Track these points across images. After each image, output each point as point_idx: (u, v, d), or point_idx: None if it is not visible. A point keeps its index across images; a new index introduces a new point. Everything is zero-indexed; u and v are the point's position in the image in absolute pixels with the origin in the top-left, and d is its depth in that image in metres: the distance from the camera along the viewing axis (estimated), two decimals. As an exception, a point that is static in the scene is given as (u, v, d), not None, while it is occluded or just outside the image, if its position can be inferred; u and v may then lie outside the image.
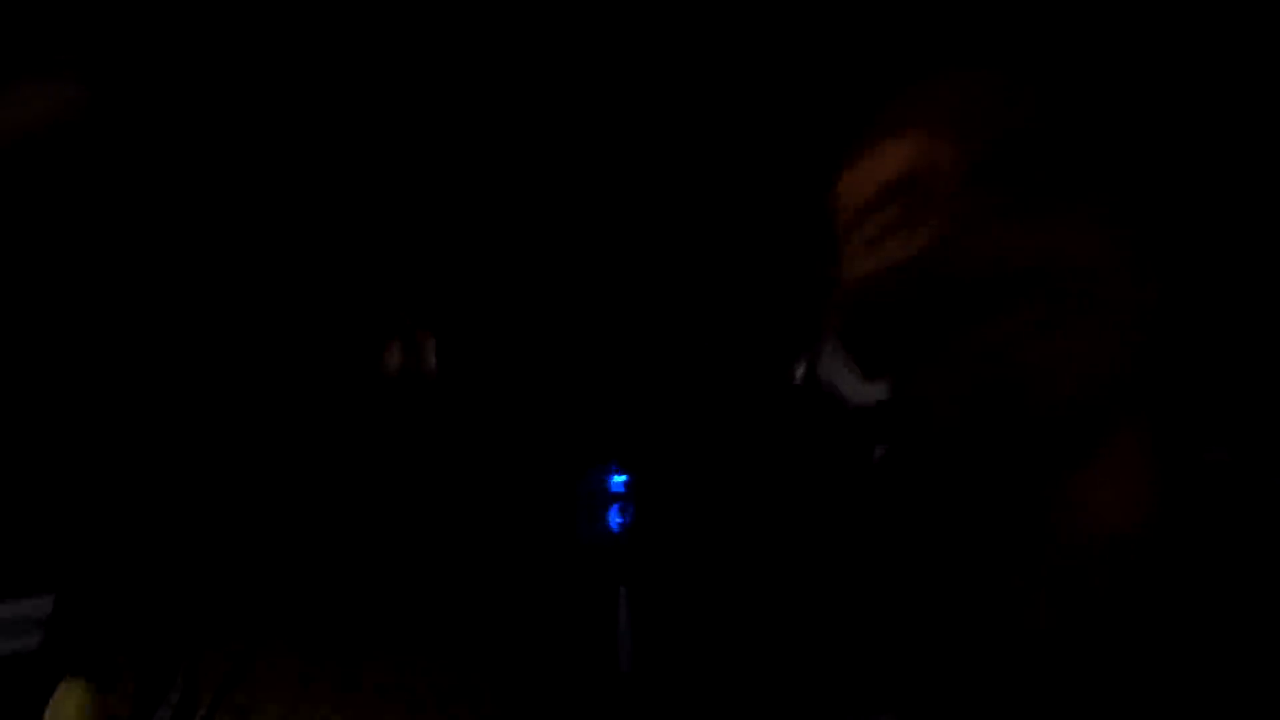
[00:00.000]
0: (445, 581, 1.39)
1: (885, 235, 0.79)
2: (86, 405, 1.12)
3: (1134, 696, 0.73)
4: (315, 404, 1.23)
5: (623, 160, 1.34)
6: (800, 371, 1.10)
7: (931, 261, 0.76)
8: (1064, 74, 0.81)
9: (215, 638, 1.15)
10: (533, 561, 1.55)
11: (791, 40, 1.16)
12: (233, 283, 1.17)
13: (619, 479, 1.79)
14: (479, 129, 1.35)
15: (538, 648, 1.36)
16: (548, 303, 1.45)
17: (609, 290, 1.43)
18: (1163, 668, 0.73)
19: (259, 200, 1.25)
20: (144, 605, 1.16)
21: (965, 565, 0.82)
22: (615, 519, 1.75)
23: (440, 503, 1.47)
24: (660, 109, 1.29)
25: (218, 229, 1.20)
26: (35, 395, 1.11)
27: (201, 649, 1.14)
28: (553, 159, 1.35)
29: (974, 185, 0.76)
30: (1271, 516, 0.77)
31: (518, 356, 1.52)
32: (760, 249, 1.20)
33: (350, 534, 1.25)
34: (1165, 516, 0.77)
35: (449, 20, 1.22)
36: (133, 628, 1.16)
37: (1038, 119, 0.78)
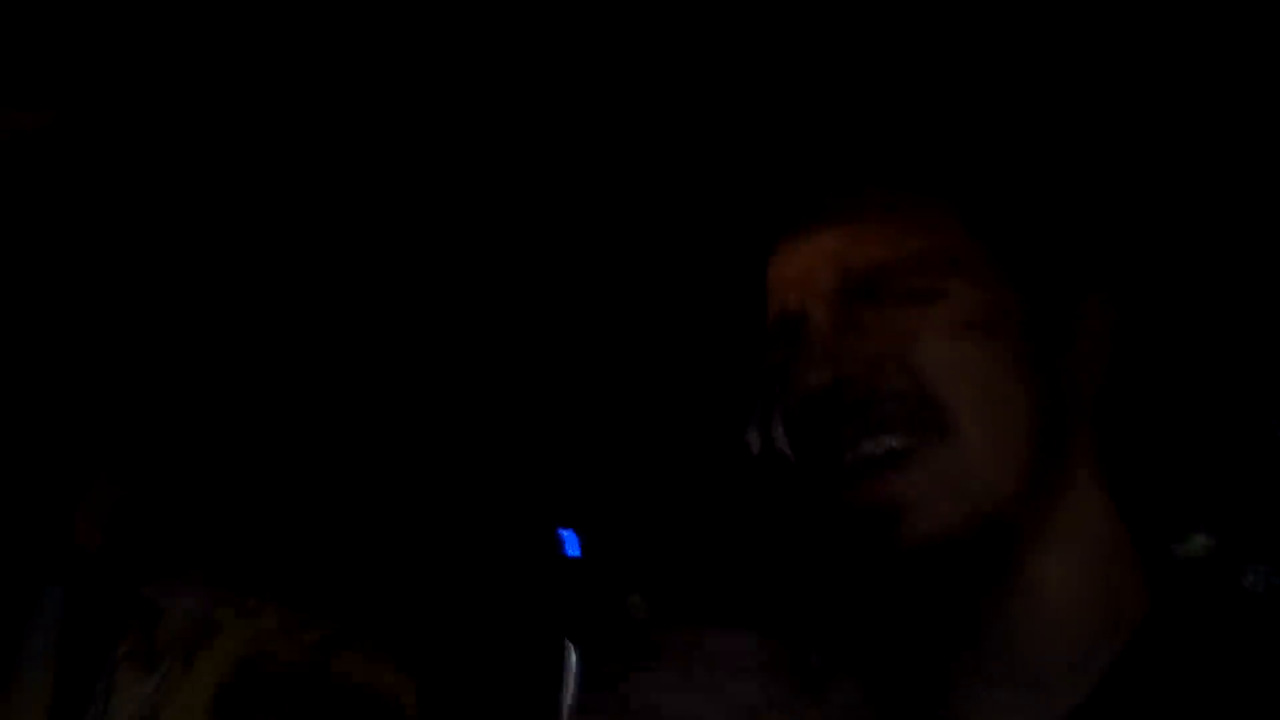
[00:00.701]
0: (387, 586, 1.36)
1: (785, 363, 0.82)
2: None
3: None
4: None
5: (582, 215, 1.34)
6: (755, 440, 1.10)
7: (809, 390, 0.79)
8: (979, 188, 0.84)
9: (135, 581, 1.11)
10: (481, 605, 1.54)
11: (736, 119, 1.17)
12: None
13: (573, 544, 1.79)
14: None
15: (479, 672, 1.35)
16: (500, 368, 1.45)
17: (561, 353, 1.43)
18: None
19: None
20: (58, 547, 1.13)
21: (919, 648, 0.83)
22: (568, 584, 1.74)
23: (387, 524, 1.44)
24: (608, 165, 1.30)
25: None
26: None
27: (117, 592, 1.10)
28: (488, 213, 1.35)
29: (839, 314, 0.80)
30: (1247, 608, 0.79)
31: (473, 422, 1.51)
32: (719, 315, 1.21)
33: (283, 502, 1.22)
34: (1136, 597, 0.78)
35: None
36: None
37: (906, 240, 0.80)
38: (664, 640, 0.79)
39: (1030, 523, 0.77)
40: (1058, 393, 0.80)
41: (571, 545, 1.95)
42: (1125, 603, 0.78)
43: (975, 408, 0.76)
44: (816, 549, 0.90)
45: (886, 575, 0.78)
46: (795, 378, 0.80)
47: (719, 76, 1.13)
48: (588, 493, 1.59)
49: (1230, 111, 1.19)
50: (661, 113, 1.17)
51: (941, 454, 0.76)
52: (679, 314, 1.31)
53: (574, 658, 1.32)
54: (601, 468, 1.55)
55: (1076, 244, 0.85)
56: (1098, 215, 0.91)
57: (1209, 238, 1.29)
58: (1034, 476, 0.77)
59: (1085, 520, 0.80)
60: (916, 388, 0.76)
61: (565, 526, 1.73)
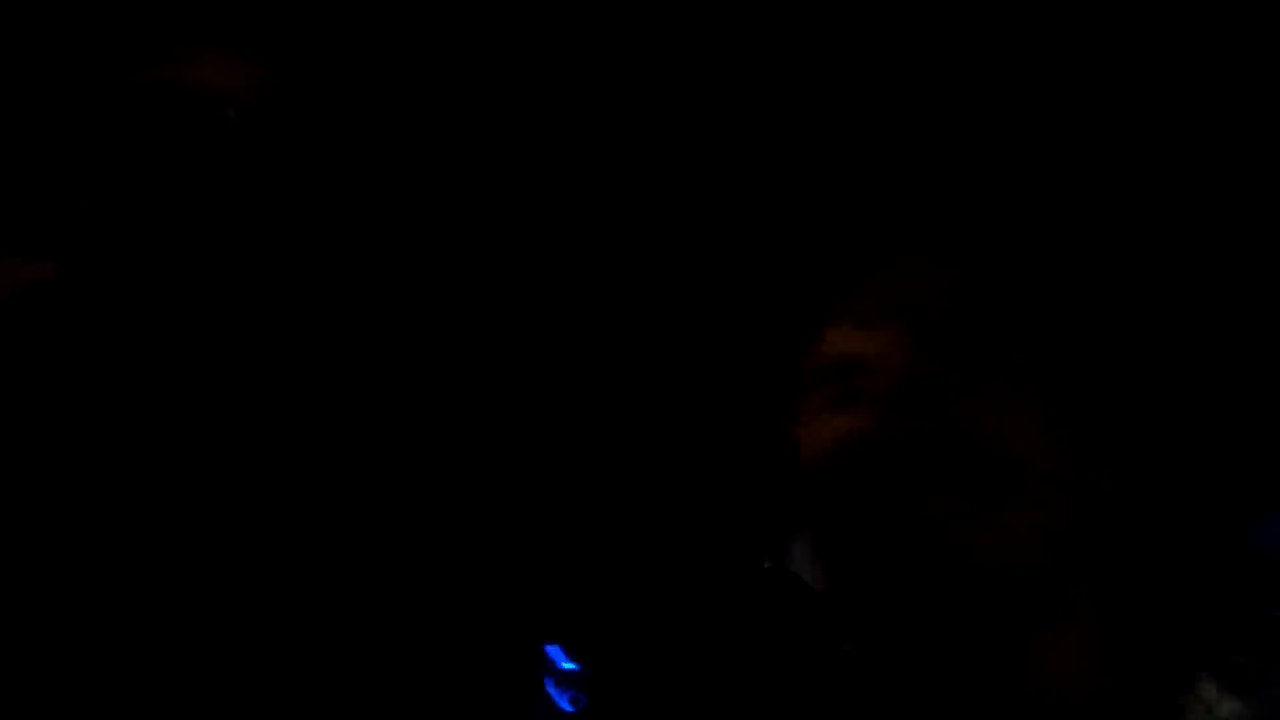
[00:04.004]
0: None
1: (828, 410, 0.81)
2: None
3: None
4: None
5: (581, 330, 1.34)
6: (768, 561, 1.09)
7: (870, 437, 0.78)
8: (1014, 264, 0.85)
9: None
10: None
11: (755, 215, 1.19)
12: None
13: (570, 664, 1.75)
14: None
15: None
16: (505, 481, 1.43)
17: (566, 466, 1.42)
18: None
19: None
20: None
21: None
22: (566, 706, 1.70)
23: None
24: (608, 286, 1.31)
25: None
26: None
27: None
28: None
29: (915, 365, 0.79)
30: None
31: (473, 532, 1.49)
32: (725, 430, 1.21)
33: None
34: (1121, 687, 0.78)
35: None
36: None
37: (984, 306, 0.82)
38: None
39: (1053, 601, 0.78)
40: (1090, 493, 0.81)
41: (560, 659, 1.92)
42: (1114, 691, 0.78)
43: (1048, 479, 0.77)
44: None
45: (930, 621, 0.78)
46: (862, 420, 0.79)
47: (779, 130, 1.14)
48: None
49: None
50: (708, 174, 1.18)
51: (1014, 514, 0.76)
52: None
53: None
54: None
55: (1107, 363, 0.86)
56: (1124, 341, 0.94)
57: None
58: (1070, 556, 0.78)
59: (1088, 614, 0.80)
60: (998, 449, 0.76)
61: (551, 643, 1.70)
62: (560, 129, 1.28)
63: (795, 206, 1.09)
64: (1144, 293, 1.19)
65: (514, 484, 1.46)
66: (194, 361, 1.15)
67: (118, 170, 1.13)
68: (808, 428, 0.83)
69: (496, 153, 1.30)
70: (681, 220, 1.28)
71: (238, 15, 1.15)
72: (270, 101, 1.15)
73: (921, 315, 0.80)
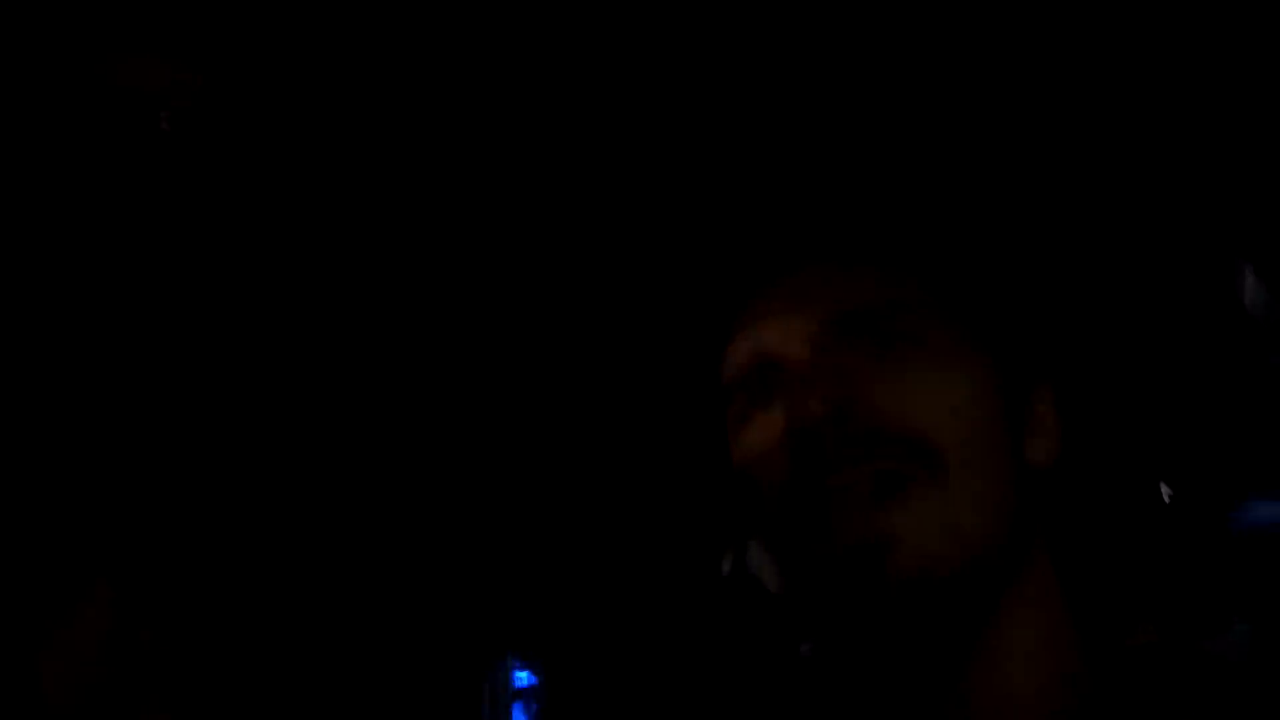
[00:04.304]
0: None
1: (751, 409, 0.81)
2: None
3: None
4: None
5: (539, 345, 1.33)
6: (728, 564, 1.08)
7: (785, 425, 0.77)
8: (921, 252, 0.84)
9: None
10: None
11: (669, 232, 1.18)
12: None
13: (524, 674, 1.73)
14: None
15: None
16: (460, 485, 1.41)
17: (522, 474, 1.41)
18: None
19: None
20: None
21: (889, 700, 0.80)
22: (521, 716, 1.68)
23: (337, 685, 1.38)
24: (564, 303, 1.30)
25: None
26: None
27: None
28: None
29: (822, 348, 0.78)
30: (1198, 696, 0.77)
31: (420, 539, 1.47)
32: (690, 439, 1.20)
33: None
34: (1085, 686, 0.77)
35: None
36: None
37: (892, 292, 0.80)
38: None
39: (1004, 585, 0.76)
40: (1022, 466, 0.79)
41: (516, 669, 1.90)
42: (1078, 688, 0.76)
43: (964, 452, 0.75)
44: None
45: (869, 616, 0.75)
46: (778, 411, 0.77)
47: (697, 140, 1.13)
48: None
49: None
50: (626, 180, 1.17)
51: (933, 491, 0.73)
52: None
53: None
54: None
55: (1033, 333, 0.85)
56: (1053, 311, 0.93)
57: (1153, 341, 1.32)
58: (1011, 534, 0.76)
59: (1044, 599, 0.78)
60: (907, 425, 0.74)
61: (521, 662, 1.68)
62: (495, 141, 1.27)
63: (702, 217, 1.09)
64: (1068, 262, 1.19)
65: (472, 492, 1.45)
66: (122, 367, 1.13)
67: (52, 172, 1.11)
68: (737, 429, 0.82)
69: (433, 159, 1.28)
70: (600, 231, 1.27)
71: (176, 19, 1.14)
72: (206, 106, 1.14)
73: (828, 305, 0.79)
